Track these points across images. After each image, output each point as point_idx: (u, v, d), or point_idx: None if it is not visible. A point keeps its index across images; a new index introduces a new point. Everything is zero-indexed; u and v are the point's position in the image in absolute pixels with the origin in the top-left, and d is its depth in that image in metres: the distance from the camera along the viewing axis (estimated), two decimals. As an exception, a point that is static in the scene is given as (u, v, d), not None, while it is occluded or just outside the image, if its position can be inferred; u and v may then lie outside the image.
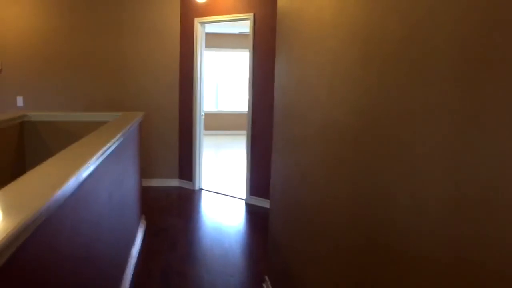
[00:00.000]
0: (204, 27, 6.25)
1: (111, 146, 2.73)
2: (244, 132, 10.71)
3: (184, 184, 6.64)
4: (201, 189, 6.54)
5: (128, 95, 6.51)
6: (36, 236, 1.43)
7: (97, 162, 2.33)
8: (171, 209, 5.70)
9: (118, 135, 3.05)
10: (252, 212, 5.62)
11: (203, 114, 6.44)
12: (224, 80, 12.73)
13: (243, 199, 6.07)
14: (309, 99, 2.39)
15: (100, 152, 2.37)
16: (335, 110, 1.95)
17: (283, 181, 3.05)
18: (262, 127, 5.69)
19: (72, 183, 1.77)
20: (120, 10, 6.39)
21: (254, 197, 5.90)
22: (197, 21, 6.17)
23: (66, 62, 6.40)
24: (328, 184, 2.05)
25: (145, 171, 6.42)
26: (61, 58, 6.39)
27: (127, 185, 3.90)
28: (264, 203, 5.73)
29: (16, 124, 4.50)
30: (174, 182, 6.73)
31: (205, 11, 6.10)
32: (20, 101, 6.40)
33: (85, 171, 2.03)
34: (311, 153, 2.34)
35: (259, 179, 5.82)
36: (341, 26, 1.90)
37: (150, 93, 6.53)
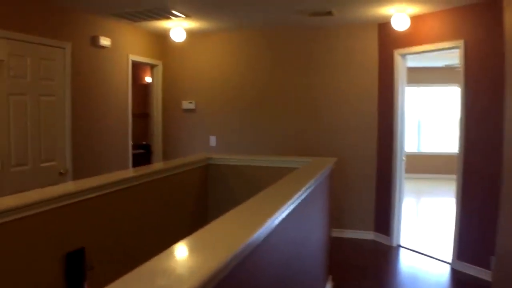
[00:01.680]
0: (405, 60, 5.47)
1: (301, 195, 2.59)
2: (450, 176, 9.42)
3: (380, 238, 5.78)
4: (399, 246, 5.60)
5: (320, 134, 6.02)
6: (231, 276, 1.45)
7: (287, 211, 2.24)
8: (363, 269, 4.91)
9: (308, 185, 2.82)
10: (460, 282, 4.48)
11: (404, 158, 5.57)
12: (425, 118, 11.54)
13: (448, 263, 4.95)
14: None
15: (290, 201, 2.29)
16: None
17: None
18: (478, 173, 4.58)
19: (264, 229, 1.78)
20: (315, 44, 6.01)
21: (463, 262, 4.74)
22: (397, 53, 5.42)
23: (257, 101, 6.24)
24: None
25: (335, 220, 5.80)
26: (252, 98, 6.26)
27: (313, 238, 3.40)
28: (478, 272, 4.53)
29: (202, 167, 4.34)
30: (369, 235, 5.91)
31: (405, 41, 5.33)
32: (212, 140, 6.43)
33: (276, 219, 1.99)
34: None
35: (471, 239, 4.67)
36: None
37: (344, 132, 5.92)
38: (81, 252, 2.70)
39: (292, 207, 2.35)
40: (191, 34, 6.29)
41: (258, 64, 6.22)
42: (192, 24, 5.70)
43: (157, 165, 4.12)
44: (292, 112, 6.11)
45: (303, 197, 2.70)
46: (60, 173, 4.71)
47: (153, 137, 6.61)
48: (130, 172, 3.68)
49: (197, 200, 4.28)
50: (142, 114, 7.40)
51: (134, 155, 7.77)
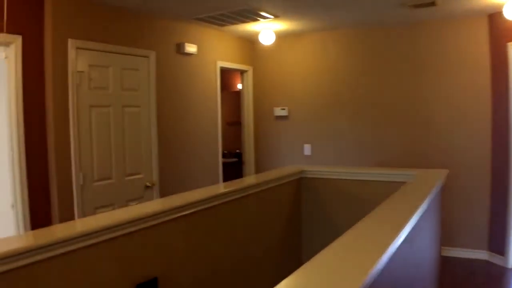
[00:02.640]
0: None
1: (415, 217, 2.21)
2: None
3: (494, 258, 4.92)
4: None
5: (425, 144, 5.30)
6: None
7: (402, 236, 1.92)
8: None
9: (422, 205, 2.40)
10: None
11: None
12: None
13: None
14: None
15: (406, 225, 1.97)
16: None
17: None
18: None
19: (383, 259, 1.54)
20: (417, 42, 5.33)
21: None
22: (510, 46, 4.58)
23: (355, 107, 5.68)
24: None
25: (444, 237, 5.06)
26: (350, 103, 5.71)
27: (425, 262, 2.87)
28: None
29: (294, 181, 3.93)
30: (482, 255, 5.07)
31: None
32: (307, 149, 5.97)
33: (393, 246, 1.71)
34: None
35: None
36: None
37: (453, 142, 5.15)
38: (153, 284, 2.39)
39: (406, 231, 1.99)
40: (281, 36, 5.91)
41: (354, 67, 5.66)
42: (281, 25, 5.31)
43: (246, 180, 3.76)
44: (394, 117, 5.46)
45: (417, 218, 2.23)
46: (147, 186, 4.54)
47: (245, 147, 6.31)
48: (218, 188, 3.34)
49: (290, 218, 3.85)
50: (235, 122, 7.17)
51: (226, 164, 7.57)
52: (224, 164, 7.50)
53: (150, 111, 4.60)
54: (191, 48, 5.03)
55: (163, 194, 4.62)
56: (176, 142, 4.93)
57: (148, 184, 4.55)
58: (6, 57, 3.45)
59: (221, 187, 3.35)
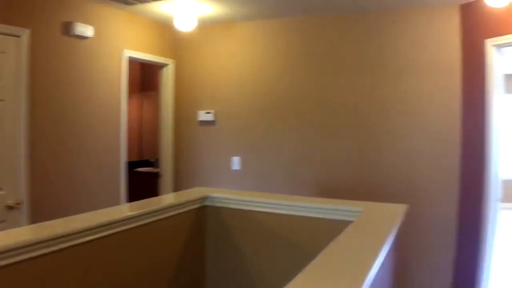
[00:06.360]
0: (501, 52, 3.77)
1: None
2: None
3: None
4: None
5: (377, 160, 4.39)
6: None
7: None
8: None
9: (376, 260, 1.61)
10: None
11: (499, 196, 3.82)
12: None
13: None
14: None
15: None
16: None
17: None
18: None
19: None
20: (369, 37, 4.43)
21: None
22: (490, 43, 3.74)
23: (296, 113, 4.71)
24: None
25: (400, 284, 4.16)
26: (290, 108, 4.73)
27: None
28: None
29: (194, 210, 2.90)
30: None
31: (503, 26, 3.64)
32: (236, 163, 4.96)
33: None
34: None
35: None
36: None
37: (410, 159, 4.26)
38: None
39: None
40: (208, 24, 4.90)
41: (297, 64, 4.69)
42: (208, 7, 4.29)
43: (123, 209, 2.71)
44: (344, 127, 4.52)
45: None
46: (9, 207, 3.40)
47: (162, 156, 5.24)
48: (86, 219, 2.25)
49: (188, 262, 2.82)
50: (155, 127, 6.10)
51: (139, 176, 6.51)
52: (142, 174, 6.43)
53: (18, 107, 3.46)
54: (84, 29, 3.93)
55: (34, 217, 3.50)
56: (59, 149, 3.80)
57: (10, 204, 3.40)
58: None
59: (88, 219, 2.27)
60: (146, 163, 7.04)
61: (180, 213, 2.71)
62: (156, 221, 2.51)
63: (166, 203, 2.66)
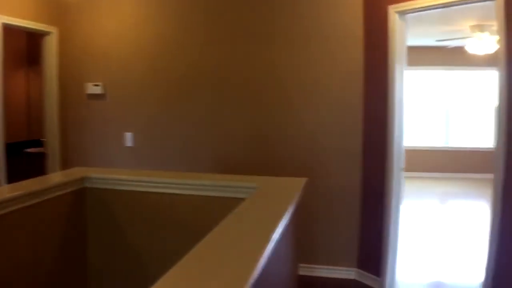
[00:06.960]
0: (404, 20, 3.71)
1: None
2: (485, 176, 8.38)
3: (366, 279, 4.08)
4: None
5: (279, 132, 4.28)
6: None
7: None
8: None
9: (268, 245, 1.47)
10: None
11: (403, 165, 3.81)
12: (455, 108, 9.91)
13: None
14: None
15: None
16: None
17: None
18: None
19: None
20: (269, 6, 4.25)
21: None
22: (393, 10, 3.65)
23: (191, 86, 4.44)
24: None
25: (306, 254, 4.12)
26: (185, 81, 4.45)
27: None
28: None
29: (71, 193, 2.59)
30: (350, 274, 4.19)
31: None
32: (128, 139, 4.62)
33: None
34: None
35: None
36: None
37: (312, 132, 4.18)
38: None
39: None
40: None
41: (193, 33, 4.39)
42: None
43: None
44: (241, 101, 4.33)
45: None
46: None
47: (47, 135, 4.76)
48: None
49: (67, 250, 2.50)
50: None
51: (30, 157, 5.98)
52: (33, 155, 5.94)
53: None
54: None
55: None
56: None
57: None
58: None
59: None
60: (38, 143, 6.45)
61: (50, 199, 2.38)
62: (18, 209, 2.17)
63: (29, 189, 2.31)
